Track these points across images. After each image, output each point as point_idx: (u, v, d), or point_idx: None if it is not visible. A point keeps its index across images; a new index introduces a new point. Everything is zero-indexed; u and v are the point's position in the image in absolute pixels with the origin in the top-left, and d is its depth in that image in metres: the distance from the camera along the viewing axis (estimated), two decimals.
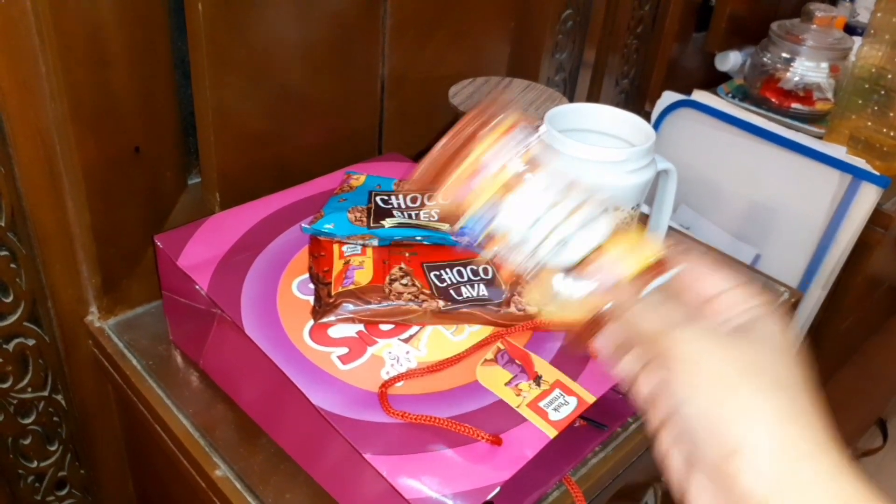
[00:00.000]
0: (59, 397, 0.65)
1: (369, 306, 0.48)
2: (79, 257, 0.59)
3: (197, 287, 0.51)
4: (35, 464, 0.66)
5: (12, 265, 0.56)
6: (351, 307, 0.48)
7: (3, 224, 0.55)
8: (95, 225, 0.57)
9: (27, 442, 0.65)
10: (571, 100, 0.88)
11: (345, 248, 0.53)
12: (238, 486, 0.50)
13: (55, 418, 0.66)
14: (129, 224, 0.60)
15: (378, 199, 0.58)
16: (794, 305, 0.78)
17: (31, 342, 0.61)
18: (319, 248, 0.53)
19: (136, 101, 0.55)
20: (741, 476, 0.31)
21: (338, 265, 0.51)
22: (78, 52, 0.50)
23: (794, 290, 0.78)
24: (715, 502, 0.32)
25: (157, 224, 0.62)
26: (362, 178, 0.62)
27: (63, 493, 0.70)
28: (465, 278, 0.52)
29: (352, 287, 0.49)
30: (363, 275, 0.50)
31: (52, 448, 0.67)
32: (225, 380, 0.56)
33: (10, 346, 0.60)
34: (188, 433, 0.53)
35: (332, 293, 0.49)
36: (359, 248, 0.53)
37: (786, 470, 0.31)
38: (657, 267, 0.37)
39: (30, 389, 0.63)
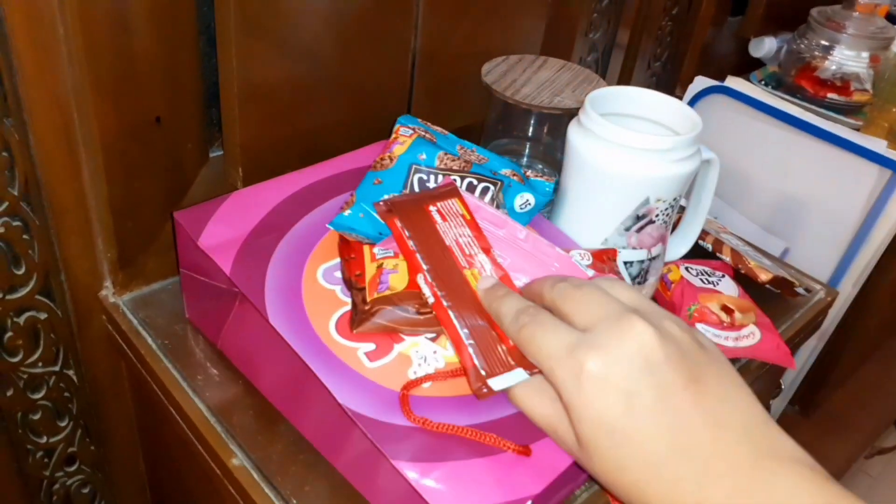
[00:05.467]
0: (71, 373, 0.63)
1: (408, 314, 0.45)
2: (94, 230, 0.56)
3: (218, 269, 0.49)
4: (44, 439, 0.65)
5: (25, 236, 0.54)
6: (389, 316, 0.45)
7: (16, 194, 0.52)
8: (112, 197, 0.55)
9: (37, 417, 0.63)
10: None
11: (375, 249, 0.50)
12: (255, 475, 0.48)
13: (66, 394, 0.64)
14: (147, 197, 0.57)
15: (416, 177, 0.55)
16: (829, 304, 0.75)
17: (42, 316, 0.58)
18: (349, 251, 0.50)
19: (159, 69, 0.53)
20: None
21: (370, 269, 0.48)
22: (99, 13, 0.47)
23: (830, 289, 0.76)
24: None
25: (176, 198, 0.60)
26: (407, 143, 0.56)
27: (72, 468, 0.69)
28: None
29: (387, 293, 0.46)
30: (398, 279, 0.47)
31: (62, 424, 0.65)
32: (243, 362, 0.54)
33: (22, 320, 0.57)
34: (204, 418, 0.51)
35: (368, 300, 0.46)
36: (391, 250, 0.50)
37: None
38: None
39: (40, 364, 0.61)
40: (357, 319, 0.45)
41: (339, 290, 0.48)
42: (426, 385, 0.44)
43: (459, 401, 0.43)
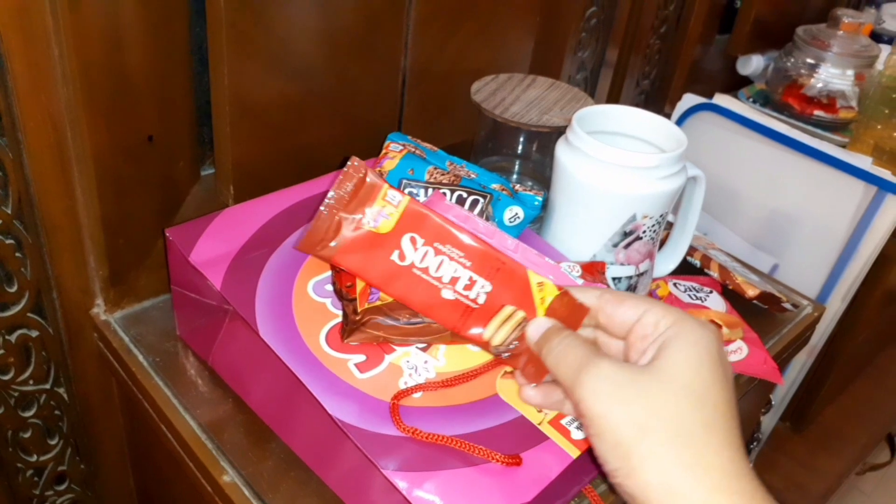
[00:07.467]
0: (62, 391, 0.63)
1: (399, 323, 0.46)
2: (86, 247, 0.57)
3: (209, 284, 0.49)
4: (35, 457, 0.65)
5: (17, 254, 0.54)
6: (379, 325, 0.46)
7: (9, 211, 0.52)
8: (105, 215, 0.55)
9: (27, 435, 0.63)
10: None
11: None
12: (246, 492, 0.48)
13: (56, 412, 0.64)
14: (139, 215, 0.58)
15: (407, 191, 0.55)
16: (816, 319, 0.76)
17: (34, 334, 0.59)
18: None
19: (152, 87, 0.53)
20: None
21: (360, 280, 0.49)
22: (93, 33, 0.48)
23: (817, 304, 0.76)
24: None
25: (167, 215, 0.60)
26: (397, 159, 0.57)
27: (62, 487, 0.68)
28: None
29: (378, 303, 0.46)
30: None
31: (53, 442, 0.65)
32: (234, 379, 0.54)
33: (13, 338, 0.57)
34: (195, 435, 0.51)
35: (359, 310, 0.46)
36: None
37: None
38: (563, 300, 0.42)
39: (31, 382, 0.61)
40: (348, 329, 0.46)
41: (330, 303, 0.49)
42: (417, 395, 0.44)
43: (450, 410, 0.43)
